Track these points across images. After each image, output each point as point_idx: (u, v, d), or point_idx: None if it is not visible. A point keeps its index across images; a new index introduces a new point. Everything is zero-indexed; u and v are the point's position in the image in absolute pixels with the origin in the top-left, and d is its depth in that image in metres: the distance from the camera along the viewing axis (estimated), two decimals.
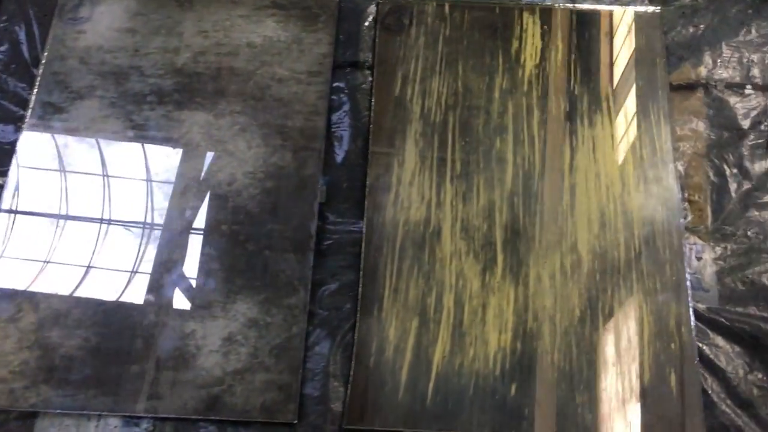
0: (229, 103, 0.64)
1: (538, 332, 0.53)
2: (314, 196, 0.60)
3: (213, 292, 0.57)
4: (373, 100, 0.61)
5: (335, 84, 0.65)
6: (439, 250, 0.55)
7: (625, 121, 0.60)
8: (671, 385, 0.51)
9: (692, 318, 0.53)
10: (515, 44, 0.63)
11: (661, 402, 0.51)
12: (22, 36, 0.66)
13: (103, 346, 0.55)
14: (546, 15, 0.64)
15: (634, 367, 0.52)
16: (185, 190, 0.61)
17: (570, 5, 0.66)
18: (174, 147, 0.61)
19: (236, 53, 0.66)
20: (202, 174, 0.61)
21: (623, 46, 0.63)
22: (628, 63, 0.63)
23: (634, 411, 0.51)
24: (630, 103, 0.60)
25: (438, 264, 0.55)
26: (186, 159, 0.62)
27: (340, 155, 0.62)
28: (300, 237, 0.58)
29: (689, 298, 0.54)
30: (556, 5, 0.66)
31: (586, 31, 0.63)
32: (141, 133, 0.63)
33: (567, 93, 0.61)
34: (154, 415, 0.53)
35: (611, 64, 0.62)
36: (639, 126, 0.59)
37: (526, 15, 0.64)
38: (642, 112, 0.60)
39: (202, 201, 0.60)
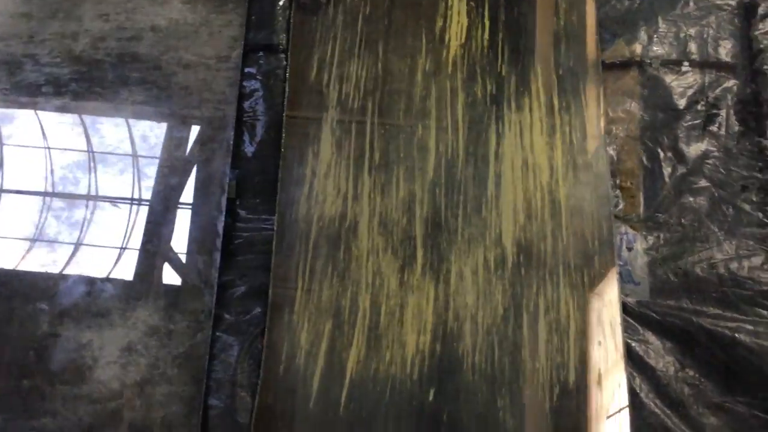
0: (131, 92, 0.60)
1: (459, 333, 0.50)
2: (222, 191, 0.56)
3: (111, 298, 0.53)
4: (287, 85, 0.57)
5: (247, 69, 0.61)
6: (356, 247, 0.52)
7: (555, 104, 0.56)
8: (600, 384, 0.48)
9: (621, 313, 0.50)
10: (440, 23, 0.59)
11: (586, 403, 0.48)
12: None
13: None
14: None
15: (560, 367, 0.49)
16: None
17: None
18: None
19: (140, 38, 0.62)
20: None
21: (554, 24, 0.59)
22: (559, 42, 0.59)
23: (558, 414, 0.47)
24: (560, 85, 0.57)
25: (354, 262, 0.52)
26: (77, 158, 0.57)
27: (251, 147, 0.58)
28: (206, 236, 0.54)
29: (618, 292, 0.51)
30: None
31: (515, 7, 0.59)
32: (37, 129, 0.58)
33: (494, 75, 0.57)
34: None
35: (541, 43, 0.58)
36: (569, 109, 0.56)
37: None
38: (572, 93, 0.56)
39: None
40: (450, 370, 0.49)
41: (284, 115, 0.57)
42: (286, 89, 0.57)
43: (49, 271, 0.53)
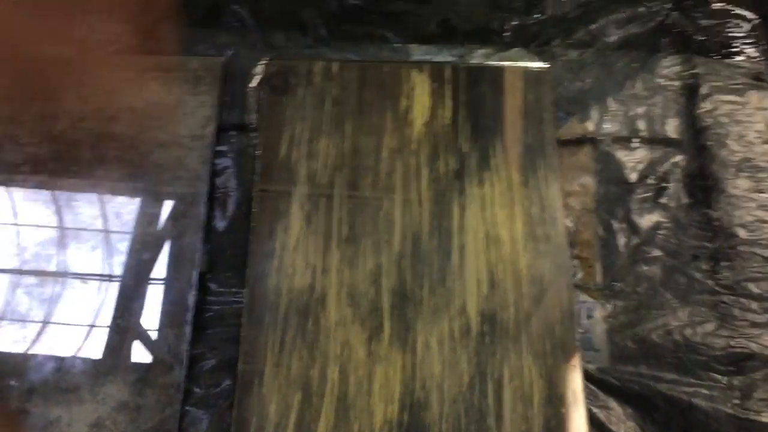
0: (107, 170, 0.62)
1: (426, 402, 0.50)
2: (193, 265, 0.57)
3: (80, 374, 0.53)
4: (257, 162, 0.59)
5: (219, 148, 0.63)
6: (324, 318, 0.53)
7: (515, 179, 0.59)
8: None
9: (582, 380, 0.52)
10: (404, 102, 0.62)
11: None
12: None
13: None
14: (435, 72, 0.63)
15: (527, 430, 0.50)
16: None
17: (459, 62, 0.65)
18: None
19: (117, 118, 0.64)
20: None
21: (512, 103, 0.63)
22: (516, 120, 0.62)
23: None
24: (519, 161, 0.60)
25: (322, 333, 0.52)
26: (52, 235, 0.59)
27: (223, 222, 0.60)
28: (177, 310, 0.55)
29: (579, 359, 0.52)
30: (446, 62, 0.65)
31: (476, 88, 0.63)
32: (12, 205, 0.60)
33: (456, 151, 0.59)
34: None
35: (500, 121, 0.61)
36: (527, 183, 0.58)
37: (415, 73, 0.63)
38: (531, 169, 0.59)
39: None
40: None
41: (254, 190, 0.59)
42: (257, 165, 0.59)
43: (18, 348, 0.53)
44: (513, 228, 0.56)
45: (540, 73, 0.63)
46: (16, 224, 0.56)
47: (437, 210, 0.57)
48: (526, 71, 0.64)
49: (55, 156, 0.61)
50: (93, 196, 0.59)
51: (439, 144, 0.59)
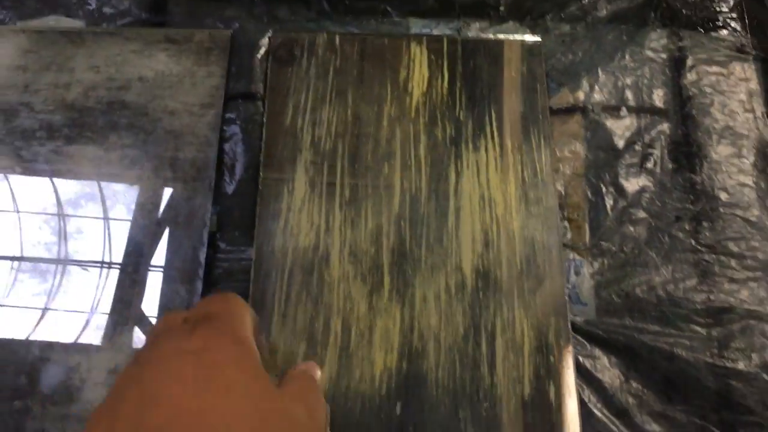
0: (120, 136, 0.64)
1: (423, 351, 0.53)
2: (204, 225, 0.60)
3: (100, 325, 0.57)
4: (264, 129, 0.62)
5: (227, 115, 0.66)
6: (328, 275, 0.55)
7: (508, 145, 0.61)
8: (550, 397, 0.52)
9: (570, 331, 0.54)
10: (403, 73, 0.64)
11: (541, 414, 0.52)
12: None
13: None
14: (433, 44, 0.65)
15: (516, 381, 0.53)
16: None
17: (456, 35, 0.68)
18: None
19: (128, 87, 0.67)
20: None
21: (506, 74, 0.65)
22: (510, 90, 0.64)
23: (515, 424, 0.51)
24: (513, 129, 0.62)
25: (326, 288, 0.55)
26: (77, 190, 0.62)
27: (232, 185, 0.63)
28: (189, 266, 0.59)
29: (568, 312, 0.55)
30: (443, 35, 0.68)
31: (471, 60, 0.65)
32: (30, 167, 0.63)
33: (453, 119, 0.62)
34: None
35: (495, 91, 0.64)
36: (521, 150, 0.61)
37: (413, 45, 0.65)
38: (524, 136, 0.61)
39: (104, 235, 0.60)
40: (415, 385, 0.52)
41: (261, 155, 0.61)
42: (264, 133, 0.61)
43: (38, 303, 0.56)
44: (506, 191, 0.59)
45: (533, 46, 0.66)
46: (49, 179, 0.59)
47: (435, 174, 0.59)
48: (520, 44, 0.66)
49: (69, 123, 0.63)
50: (108, 159, 0.62)
51: (436, 112, 0.62)
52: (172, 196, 0.62)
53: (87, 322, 0.56)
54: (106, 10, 0.71)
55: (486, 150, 0.61)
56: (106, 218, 0.61)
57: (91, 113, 0.65)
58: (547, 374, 0.53)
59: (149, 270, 0.58)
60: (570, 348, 0.54)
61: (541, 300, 0.56)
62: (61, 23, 0.70)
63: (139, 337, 0.56)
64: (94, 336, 0.56)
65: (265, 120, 0.62)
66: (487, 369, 0.53)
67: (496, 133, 0.62)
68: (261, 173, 0.60)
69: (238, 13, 0.71)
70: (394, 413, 0.51)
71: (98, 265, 0.59)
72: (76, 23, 0.71)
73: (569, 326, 0.55)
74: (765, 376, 0.56)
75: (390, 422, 0.51)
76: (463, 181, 0.60)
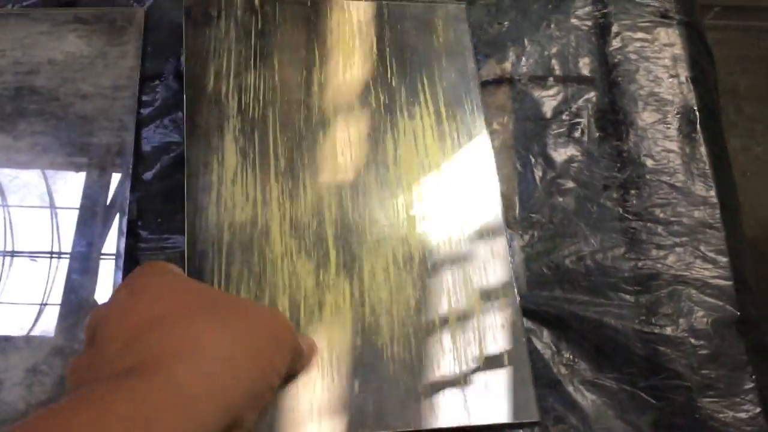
0: (30, 123, 0.61)
1: (377, 326, 0.52)
2: (123, 214, 0.58)
3: (13, 323, 0.54)
4: (184, 96, 0.58)
5: (144, 98, 0.63)
6: (269, 251, 0.53)
7: (443, 112, 0.61)
8: (504, 361, 0.53)
9: (518, 299, 0.55)
10: (330, 39, 0.62)
11: (495, 384, 0.52)
12: None
13: None
14: (358, 9, 0.63)
15: (470, 353, 0.52)
16: None
17: (383, 1, 0.66)
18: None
19: (37, 71, 0.63)
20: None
21: (435, 41, 0.64)
22: (440, 57, 0.63)
23: (472, 393, 0.51)
24: (446, 96, 0.61)
25: (269, 265, 0.52)
26: None
27: (151, 171, 0.61)
28: (107, 258, 0.56)
29: (514, 282, 0.56)
30: (369, 2, 0.65)
31: (399, 25, 0.64)
32: None
33: (385, 86, 0.60)
34: None
35: (425, 58, 0.63)
36: (455, 117, 0.60)
37: (337, 9, 0.63)
38: (456, 104, 0.61)
39: (4, 225, 0.57)
40: (372, 361, 0.51)
41: (183, 124, 0.57)
42: (184, 100, 0.58)
43: None
44: (445, 158, 0.59)
45: (458, 12, 0.65)
46: None
47: (372, 143, 0.58)
48: (444, 10, 0.65)
49: None
50: (17, 148, 0.59)
51: (368, 80, 0.60)
52: (87, 184, 0.59)
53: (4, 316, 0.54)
54: None
55: (421, 118, 0.60)
56: (7, 206, 0.58)
57: None
58: (499, 345, 0.54)
59: (66, 263, 0.56)
60: (520, 317, 0.55)
61: (486, 271, 0.56)
62: None
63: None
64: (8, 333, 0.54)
65: (185, 86, 0.59)
66: (441, 340, 0.52)
67: (430, 101, 0.61)
68: (185, 143, 0.56)
69: None
70: (352, 392, 0.49)
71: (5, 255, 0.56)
72: None
73: (516, 294, 0.56)
74: (692, 340, 0.57)
75: (349, 401, 0.49)
76: (401, 149, 0.59)
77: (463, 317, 0.54)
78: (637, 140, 0.65)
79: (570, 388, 0.55)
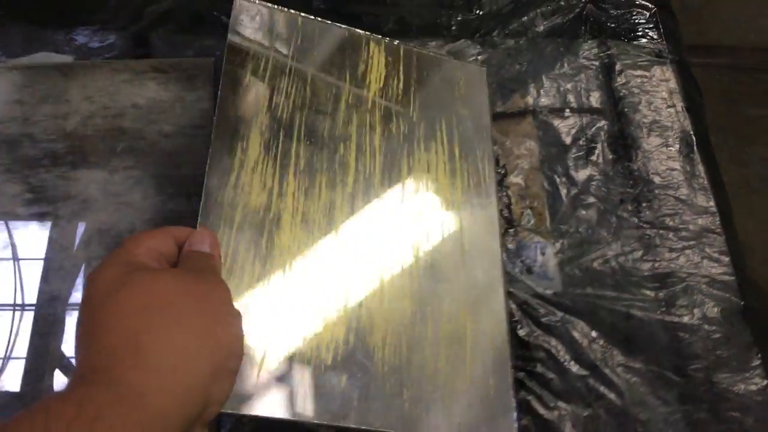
0: (122, 159, 0.70)
1: (372, 327, 0.52)
2: None
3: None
4: (220, 84, 0.60)
5: None
6: (278, 237, 0.53)
7: (457, 152, 0.65)
8: (489, 384, 0.53)
9: (506, 327, 0.58)
10: (362, 67, 0.66)
11: (479, 402, 0.52)
12: None
13: None
14: (390, 49, 0.68)
15: (459, 366, 0.53)
16: (89, 241, 0.66)
17: (414, 48, 0.72)
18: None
19: (123, 114, 0.72)
20: (104, 225, 0.66)
21: (456, 92, 0.69)
22: (458, 107, 0.68)
23: (455, 408, 0.51)
24: (460, 139, 0.65)
25: (276, 251, 0.52)
26: (86, 213, 0.67)
27: None
28: None
29: (503, 307, 0.58)
30: (401, 42, 0.70)
31: (426, 71, 0.68)
32: (40, 195, 0.67)
33: (407, 118, 0.64)
34: None
35: (445, 103, 0.68)
36: (467, 158, 0.64)
37: (372, 44, 0.68)
38: (469, 148, 0.65)
39: (106, 249, 0.65)
40: (362, 360, 0.50)
41: (216, 108, 0.59)
42: (220, 87, 0.59)
43: None
44: (454, 193, 0.62)
45: (479, 73, 0.72)
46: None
47: (387, 163, 0.60)
48: (467, 69, 0.72)
49: (72, 150, 0.68)
50: (113, 181, 0.67)
51: (391, 109, 0.63)
52: (177, 210, 0.67)
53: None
54: (93, 44, 0.77)
55: (436, 152, 0.64)
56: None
57: (90, 140, 0.70)
58: (486, 364, 0.54)
59: None
60: (505, 338, 0.57)
61: (479, 293, 0.58)
62: (51, 59, 0.75)
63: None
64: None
65: (222, 75, 0.60)
66: (431, 355, 0.51)
67: (445, 140, 0.65)
68: (214, 125, 0.56)
69: (215, 42, 0.78)
70: (339, 384, 0.48)
71: None
72: (65, 58, 0.76)
73: (504, 318, 0.58)
74: (706, 326, 0.67)
75: (334, 392, 0.47)
76: (414, 175, 0.61)
77: (454, 335, 0.54)
78: (645, 161, 0.76)
79: (606, 370, 0.64)
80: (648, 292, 0.68)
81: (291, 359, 0.48)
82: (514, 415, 0.52)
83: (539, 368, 0.63)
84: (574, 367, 0.64)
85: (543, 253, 0.69)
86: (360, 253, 0.56)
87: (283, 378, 0.48)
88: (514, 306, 0.65)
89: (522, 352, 0.64)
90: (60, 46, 0.75)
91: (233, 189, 0.54)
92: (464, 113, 0.68)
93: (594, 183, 0.72)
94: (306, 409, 0.47)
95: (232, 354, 0.37)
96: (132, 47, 0.76)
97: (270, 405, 0.45)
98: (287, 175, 0.56)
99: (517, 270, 0.68)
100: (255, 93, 0.61)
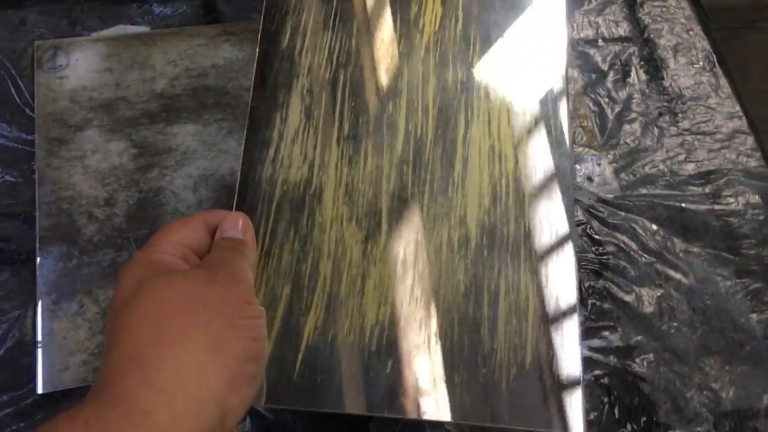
0: (212, 113, 0.76)
1: (420, 308, 0.46)
2: None
3: None
4: (257, 50, 0.56)
5: None
6: (320, 214, 0.48)
7: (523, 100, 0.56)
8: (553, 369, 0.46)
9: (577, 300, 0.49)
10: (414, 8, 0.57)
11: (542, 385, 0.46)
12: (8, 88, 0.74)
13: None
14: None
15: (518, 348, 0.46)
16: (195, 186, 0.72)
17: None
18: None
19: (205, 74, 0.78)
20: (207, 171, 0.73)
21: (522, 26, 0.60)
22: (529, 41, 0.59)
23: (514, 394, 0.46)
24: (529, 83, 0.57)
25: (317, 229, 0.48)
26: (188, 162, 0.73)
27: None
28: None
29: (575, 282, 0.50)
30: None
31: (490, 4, 0.59)
32: (144, 150, 0.73)
33: (465, 64, 0.56)
34: None
35: (510, 40, 0.59)
36: (535, 102, 0.56)
37: None
38: (539, 89, 0.56)
39: (213, 192, 0.72)
40: (409, 344, 0.46)
41: (253, 77, 0.56)
42: (257, 53, 0.56)
43: None
44: (519, 146, 0.53)
45: None
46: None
47: (442, 119, 0.53)
48: None
49: (164, 108, 0.75)
50: (207, 132, 0.73)
51: (448, 54, 0.55)
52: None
53: None
54: (165, 13, 0.83)
55: (498, 99, 0.54)
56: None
57: (180, 99, 0.77)
58: (549, 345, 0.46)
59: None
60: (576, 319, 0.47)
61: (547, 266, 0.49)
62: (129, 30, 0.81)
63: None
64: None
65: (259, 40, 0.55)
66: (487, 333, 0.46)
67: (510, 84, 0.55)
68: (251, 97, 0.53)
69: None
70: (383, 371, 0.44)
71: None
72: (141, 28, 0.82)
73: (575, 294, 0.48)
74: (750, 210, 0.76)
75: (378, 380, 0.44)
76: (472, 129, 0.53)
77: (515, 314, 0.47)
78: (675, 78, 0.85)
79: (670, 256, 0.73)
80: (695, 188, 0.77)
81: (331, 345, 0.45)
82: (582, 407, 0.44)
83: (612, 260, 0.71)
84: (642, 257, 0.72)
85: (599, 164, 0.77)
86: (408, 224, 0.49)
87: (322, 365, 0.44)
88: (580, 211, 0.73)
89: (595, 248, 0.71)
90: (134, 17, 0.81)
91: (271, 164, 0.50)
92: (535, 49, 0.57)
93: (634, 100, 0.81)
94: (351, 399, 0.43)
95: (250, 359, 0.34)
96: (202, 14, 0.82)
97: (313, 397, 0.43)
98: (329, 143, 0.51)
99: (579, 180, 0.76)
100: (294, 54, 0.54)
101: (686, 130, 0.80)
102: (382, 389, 0.44)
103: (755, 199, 0.75)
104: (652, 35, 0.86)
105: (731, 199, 0.75)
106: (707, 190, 0.76)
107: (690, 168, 0.77)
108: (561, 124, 0.54)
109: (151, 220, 0.69)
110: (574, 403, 0.44)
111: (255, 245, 0.45)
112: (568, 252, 0.50)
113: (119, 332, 0.31)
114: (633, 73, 0.83)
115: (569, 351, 0.47)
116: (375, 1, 0.58)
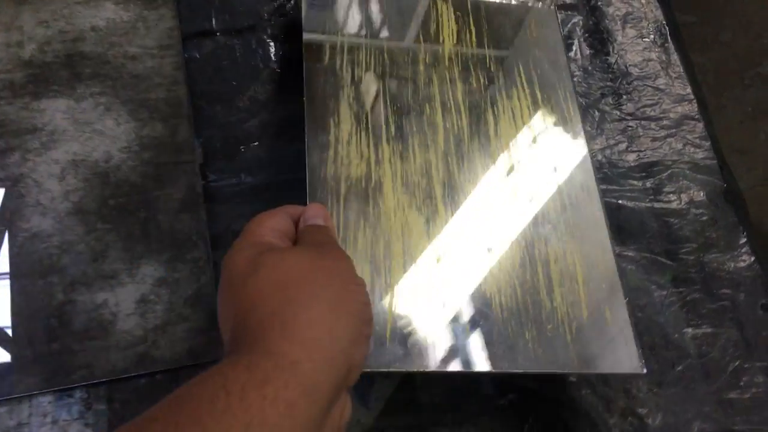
0: (87, 86, 0.66)
1: (484, 277, 0.54)
2: (193, 158, 0.64)
3: (116, 261, 0.59)
4: (303, 66, 0.63)
5: (188, 54, 0.69)
6: (383, 204, 0.56)
7: (538, 96, 0.66)
8: (606, 318, 0.54)
9: (614, 261, 0.57)
10: (433, 26, 0.68)
11: (599, 333, 0.53)
12: None
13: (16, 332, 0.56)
14: (458, 4, 0.70)
15: (574, 305, 0.54)
16: (63, 174, 0.62)
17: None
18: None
19: (82, 38, 0.68)
20: (77, 156, 0.63)
21: (528, 36, 0.70)
22: (533, 49, 0.69)
23: (578, 343, 0.53)
24: (540, 82, 0.67)
25: (383, 216, 0.55)
26: (56, 145, 0.63)
27: (210, 119, 0.66)
28: (188, 197, 0.62)
29: (609, 246, 0.58)
30: None
31: (495, 20, 0.70)
32: (2, 129, 0.63)
33: (485, 69, 0.66)
34: (86, 383, 0.55)
35: (520, 49, 0.69)
36: (550, 101, 0.66)
37: (440, 2, 0.70)
38: (550, 89, 0.66)
39: (84, 182, 0.62)
40: (482, 307, 0.53)
41: (304, 89, 0.61)
42: (303, 69, 0.62)
43: None
44: (542, 135, 0.64)
45: (549, 13, 0.73)
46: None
47: (474, 117, 0.63)
48: (536, 11, 0.73)
49: (32, 79, 0.64)
50: (81, 109, 0.63)
51: (468, 63, 0.66)
52: (155, 136, 0.64)
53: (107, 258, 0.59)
54: None
55: (519, 99, 0.65)
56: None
57: (51, 67, 0.66)
58: (602, 300, 0.55)
59: (150, 206, 0.61)
60: (617, 274, 0.56)
61: (585, 234, 0.58)
62: None
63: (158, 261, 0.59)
64: (115, 270, 0.59)
65: (304, 57, 0.63)
66: (545, 294, 0.54)
67: (526, 84, 0.66)
68: (305, 106, 0.60)
69: None
70: (464, 334, 0.51)
71: (89, 209, 0.61)
72: None
73: (612, 256, 0.57)
74: (693, 210, 0.68)
75: (462, 342, 0.50)
76: (501, 124, 0.64)
77: (566, 277, 0.55)
78: (622, 53, 0.76)
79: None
80: (635, 182, 0.69)
81: (415, 316, 0.51)
82: (635, 342, 0.53)
83: None
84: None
85: None
86: (462, 207, 0.58)
87: (410, 335, 0.50)
88: None
89: None
90: None
91: (333, 163, 0.56)
92: (540, 55, 0.69)
93: (575, 79, 0.72)
94: (437, 360, 0.49)
95: (365, 321, 0.38)
96: None
97: (404, 360, 0.49)
98: (381, 142, 0.59)
99: None
100: (338, 68, 0.64)
101: (630, 114, 0.71)
102: (463, 349, 0.50)
103: (699, 196, 0.68)
104: (599, 2, 0.77)
105: (673, 196, 0.68)
106: (648, 184, 0.68)
107: (631, 159, 0.69)
108: (571, 108, 0.66)
109: (8, 216, 0.60)
110: (628, 341, 0.53)
111: (336, 233, 0.50)
112: (600, 221, 0.60)
113: (252, 299, 0.35)
114: (576, 47, 0.74)
115: (616, 302, 0.55)
116: (398, 22, 0.69)
